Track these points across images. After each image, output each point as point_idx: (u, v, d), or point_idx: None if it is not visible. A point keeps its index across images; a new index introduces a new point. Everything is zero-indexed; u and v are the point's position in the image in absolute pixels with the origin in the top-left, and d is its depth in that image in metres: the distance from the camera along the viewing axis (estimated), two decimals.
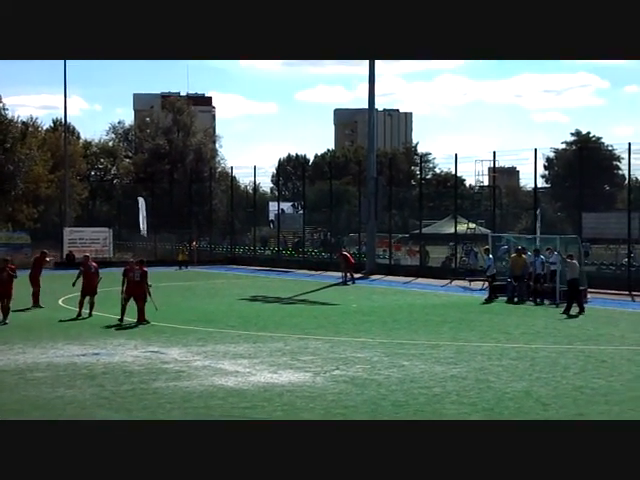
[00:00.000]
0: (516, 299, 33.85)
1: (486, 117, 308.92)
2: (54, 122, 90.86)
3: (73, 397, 15.54)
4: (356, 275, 45.66)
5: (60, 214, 66.01)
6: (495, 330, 25.66)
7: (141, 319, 26.43)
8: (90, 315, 28.10)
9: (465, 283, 42.80)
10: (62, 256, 59.59)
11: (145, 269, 27.57)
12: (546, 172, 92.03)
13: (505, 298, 34.30)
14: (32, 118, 73.58)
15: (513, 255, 35.63)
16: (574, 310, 29.62)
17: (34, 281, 31.58)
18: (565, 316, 29.09)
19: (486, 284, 37.01)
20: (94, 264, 29.70)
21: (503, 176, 73.05)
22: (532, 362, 19.64)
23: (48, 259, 34.53)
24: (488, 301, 34.09)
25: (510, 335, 24.51)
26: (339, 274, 45.76)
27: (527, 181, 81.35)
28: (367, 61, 53.10)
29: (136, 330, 25.15)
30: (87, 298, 28.43)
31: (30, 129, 66.69)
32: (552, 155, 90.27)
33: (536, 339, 23.76)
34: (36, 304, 31.02)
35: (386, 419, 13.71)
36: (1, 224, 62.69)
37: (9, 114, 61.57)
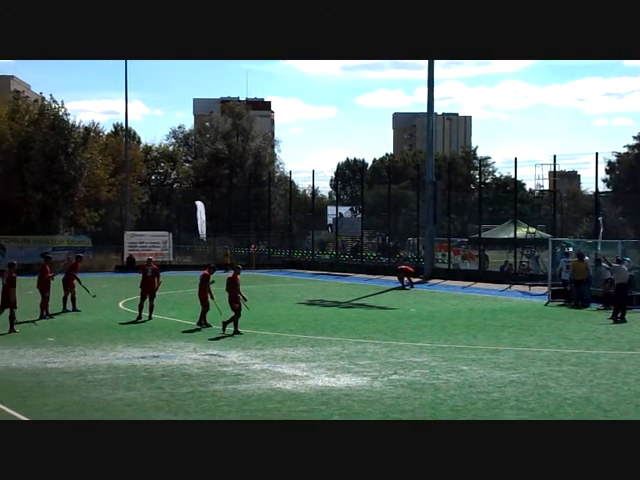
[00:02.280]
0: (580, 303, 33.76)
1: (547, 121, 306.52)
2: (115, 127, 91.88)
3: (132, 399, 15.67)
4: (414, 280, 45.48)
5: (121, 218, 66.66)
6: (555, 335, 25.40)
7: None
8: (150, 318, 28.31)
9: (525, 288, 42.46)
10: (122, 259, 60.23)
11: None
12: (607, 176, 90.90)
13: (562, 302, 34.37)
14: (94, 123, 74.35)
15: (574, 260, 35.34)
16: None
17: (67, 284, 31.15)
18: (612, 321, 28.76)
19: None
20: (153, 266, 29.75)
21: (564, 180, 72.40)
22: (593, 368, 19.40)
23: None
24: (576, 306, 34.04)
25: (570, 340, 24.25)
26: (397, 279, 45.64)
27: (588, 185, 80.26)
28: (426, 65, 52.94)
29: (195, 333, 25.29)
30: (147, 301, 28.68)
31: (92, 134, 67.34)
32: (614, 159, 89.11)
33: (597, 345, 23.48)
34: (44, 314, 29.17)
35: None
36: (64, 227, 63.48)
37: (71, 119, 62.25)
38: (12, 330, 25.31)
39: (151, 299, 28.67)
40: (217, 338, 24.13)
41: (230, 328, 25.06)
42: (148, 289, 28.85)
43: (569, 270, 35.43)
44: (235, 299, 25.24)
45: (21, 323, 26.76)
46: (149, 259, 31.18)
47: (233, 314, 25.14)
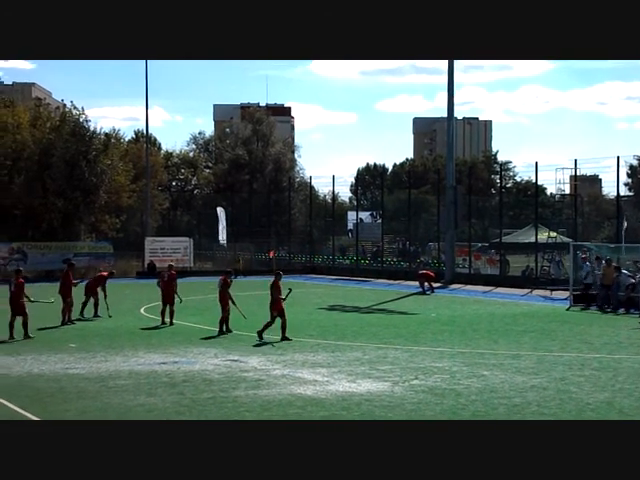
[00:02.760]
0: (607, 307, 34.01)
1: (568, 126, 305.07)
2: (136, 133, 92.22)
3: (154, 405, 15.71)
4: (435, 285, 45.40)
5: (141, 224, 66.87)
6: (577, 340, 25.30)
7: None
8: (171, 324, 28.38)
9: (546, 292, 42.32)
10: (144, 265, 60.40)
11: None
12: (629, 180, 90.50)
13: (589, 307, 34.72)
14: (114, 129, 74.74)
15: (603, 265, 35.52)
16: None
17: (92, 292, 30.99)
18: None
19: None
20: (170, 272, 29.75)
21: (585, 184, 71.96)
22: (615, 373, 19.31)
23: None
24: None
25: (592, 345, 24.15)
26: (418, 284, 45.60)
27: (609, 189, 79.94)
28: (446, 70, 52.87)
29: (217, 339, 25.33)
30: (167, 307, 28.76)
31: (112, 140, 67.63)
32: (635, 163, 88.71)
33: (619, 349, 23.37)
34: (66, 320, 29.17)
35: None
36: (85, 234, 63.74)
37: (92, 126, 62.54)
38: (26, 336, 25.34)
39: (170, 305, 28.73)
40: (238, 343, 24.17)
41: (269, 335, 25.01)
42: (164, 295, 28.94)
43: (592, 274, 35.65)
44: (277, 305, 25.37)
45: (43, 329, 26.90)
46: (170, 265, 31.26)
47: (267, 322, 25.22)
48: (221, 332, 26.23)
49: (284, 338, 24.63)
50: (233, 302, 26.64)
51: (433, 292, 44.00)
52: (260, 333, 24.88)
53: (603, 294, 34.52)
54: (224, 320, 26.50)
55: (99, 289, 31.06)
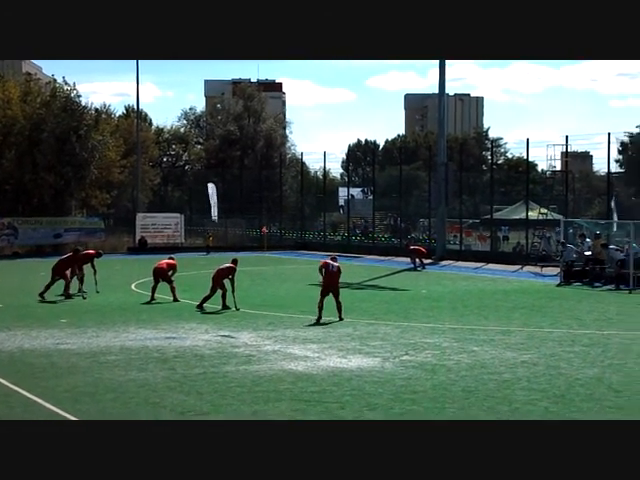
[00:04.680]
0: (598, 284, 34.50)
1: (561, 103, 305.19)
2: (127, 109, 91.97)
3: (145, 380, 15.74)
4: (426, 261, 45.48)
5: (132, 200, 66.80)
6: (567, 316, 25.39)
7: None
8: (175, 300, 28.22)
9: (537, 269, 42.45)
10: (134, 241, 60.37)
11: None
12: (620, 157, 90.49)
13: (579, 284, 35.01)
14: (105, 105, 74.64)
15: (595, 240, 35.76)
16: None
17: (61, 274, 29.98)
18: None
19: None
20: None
21: (576, 161, 71.99)
22: (604, 348, 19.40)
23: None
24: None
25: (582, 321, 24.25)
26: (408, 260, 45.68)
27: (600, 166, 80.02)
28: None
29: (207, 315, 25.36)
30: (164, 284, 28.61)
31: (103, 116, 67.46)
32: (626, 140, 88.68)
33: (609, 325, 23.48)
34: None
35: (456, 406, 13.67)
36: (76, 209, 63.64)
37: (83, 101, 62.32)
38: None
39: (165, 282, 28.62)
40: (229, 319, 24.21)
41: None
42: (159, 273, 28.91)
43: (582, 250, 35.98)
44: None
45: (34, 305, 26.94)
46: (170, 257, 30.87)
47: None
48: (225, 307, 26.30)
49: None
50: (233, 290, 26.41)
51: (424, 268, 44.08)
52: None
53: (594, 270, 34.75)
54: (219, 296, 26.42)
55: (88, 266, 30.77)
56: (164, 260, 29.56)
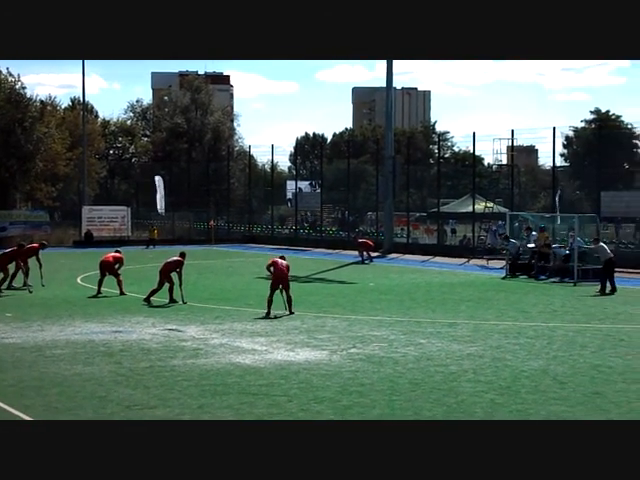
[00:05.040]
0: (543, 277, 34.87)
1: (506, 96, 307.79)
2: (72, 101, 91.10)
3: (91, 374, 15.63)
4: (373, 254, 45.63)
5: (78, 193, 66.23)
6: (512, 309, 25.63)
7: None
8: (122, 293, 28.04)
9: (483, 262, 42.80)
10: (81, 234, 59.85)
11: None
12: (565, 151, 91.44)
13: (525, 276, 35.39)
14: (51, 97, 73.75)
15: (540, 233, 36.17)
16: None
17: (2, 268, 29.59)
18: (599, 294, 29.22)
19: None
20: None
21: (522, 155, 72.70)
22: (549, 340, 19.61)
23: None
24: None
25: (527, 314, 24.49)
26: (356, 253, 45.80)
27: (546, 160, 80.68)
28: None
29: (154, 308, 25.23)
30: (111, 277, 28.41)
31: (49, 108, 66.78)
32: (571, 134, 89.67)
33: (553, 318, 23.73)
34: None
35: (403, 398, 13.74)
36: (21, 202, 62.95)
37: (28, 93, 61.68)
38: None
39: (111, 275, 28.42)
40: (176, 313, 24.11)
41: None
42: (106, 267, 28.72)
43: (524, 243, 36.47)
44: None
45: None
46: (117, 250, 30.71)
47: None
48: (172, 300, 26.15)
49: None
50: (180, 284, 26.26)
51: (371, 261, 44.24)
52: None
53: (538, 263, 35.15)
54: (168, 290, 26.28)
55: (33, 259, 30.44)
56: (110, 253, 29.38)
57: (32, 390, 14.25)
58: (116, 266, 28.62)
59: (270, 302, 23.76)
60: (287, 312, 23.74)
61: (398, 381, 15.05)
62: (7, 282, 29.58)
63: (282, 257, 24.98)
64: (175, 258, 26.78)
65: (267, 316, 23.35)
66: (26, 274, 29.93)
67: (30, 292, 28.70)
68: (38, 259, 30.41)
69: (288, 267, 24.48)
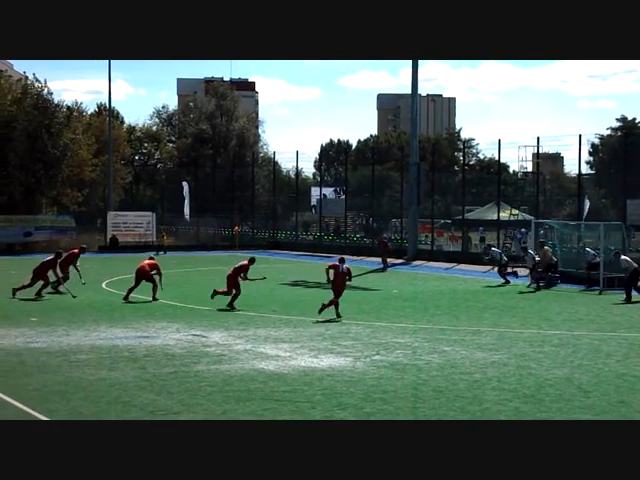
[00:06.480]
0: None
1: (531, 103, 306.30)
2: (99, 107, 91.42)
3: (115, 379, 15.68)
4: (397, 261, 45.56)
5: (104, 198, 66.51)
6: (537, 317, 25.52)
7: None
8: (154, 299, 28.06)
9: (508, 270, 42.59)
10: (106, 240, 60.11)
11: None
12: (591, 158, 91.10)
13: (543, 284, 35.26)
14: (77, 103, 74.19)
15: (544, 248, 36.09)
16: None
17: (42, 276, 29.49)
18: (622, 302, 29.09)
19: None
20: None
21: (547, 162, 72.51)
22: (574, 349, 19.51)
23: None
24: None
25: (552, 322, 24.38)
26: (380, 260, 45.75)
27: (571, 167, 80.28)
28: None
29: (179, 314, 25.29)
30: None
31: (75, 114, 67.08)
32: (597, 141, 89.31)
33: (578, 326, 23.62)
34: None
35: (426, 406, 13.70)
36: (47, 207, 63.29)
37: (55, 99, 61.98)
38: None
39: (152, 282, 28.43)
40: (200, 319, 24.16)
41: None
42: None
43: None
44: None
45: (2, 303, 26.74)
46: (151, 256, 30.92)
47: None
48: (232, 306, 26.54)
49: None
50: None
51: (385, 270, 44.08)
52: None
53: (538, 276, 34.90)
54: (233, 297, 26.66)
55: (70, 266, 30.83)
56: (145, 261, 29.39)
57: (56, 394, 14.31)
58: (152, 272, 28.67)
59: (337, 305, 24.52)
60: (335, 316, 24.38)
61: (422, 388, 15.02)
62: (53, 285, 29.98)
63: (342, 260, 25.53)
64: (242, 262, 27.37)
65: (337, 318, 24.15)
66: (65, 279, 30.37)
67: (73, 297, 28.71)
68: (76, 266, 30.69)
69: (349, 271, 25.05)
